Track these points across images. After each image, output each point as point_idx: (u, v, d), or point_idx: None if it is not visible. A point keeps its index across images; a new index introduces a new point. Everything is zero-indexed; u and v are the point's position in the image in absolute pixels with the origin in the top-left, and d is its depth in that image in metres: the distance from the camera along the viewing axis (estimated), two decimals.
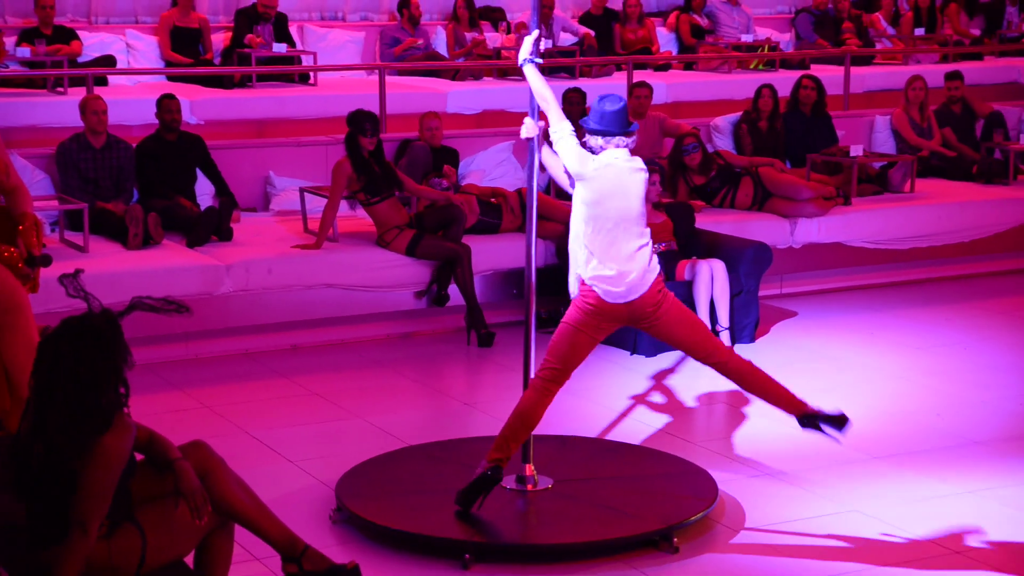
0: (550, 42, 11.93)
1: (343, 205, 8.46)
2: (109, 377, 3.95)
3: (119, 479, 3.94)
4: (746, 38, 13.04)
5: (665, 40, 13.36)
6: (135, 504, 4.10)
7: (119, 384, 3.98)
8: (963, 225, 9.68)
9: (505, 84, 11.55)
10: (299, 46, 11.77)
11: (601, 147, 5.37)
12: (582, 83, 10.87)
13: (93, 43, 11.16)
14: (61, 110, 9.67)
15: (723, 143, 10.23)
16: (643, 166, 5.40)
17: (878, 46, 13.97)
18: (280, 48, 11.21)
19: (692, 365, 7.69)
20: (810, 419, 5.48)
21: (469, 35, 12.29)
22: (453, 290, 8.11)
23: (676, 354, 7.87)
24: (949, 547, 5.19)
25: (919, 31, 13.85)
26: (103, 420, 3.92)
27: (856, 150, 9.70)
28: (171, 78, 10.97)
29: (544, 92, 5.38)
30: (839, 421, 5.45)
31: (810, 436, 6.41)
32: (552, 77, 11.79)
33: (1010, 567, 5.06)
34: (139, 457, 4.19)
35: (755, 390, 5.56)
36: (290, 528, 4.44)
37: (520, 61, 5.45)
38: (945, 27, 14.55)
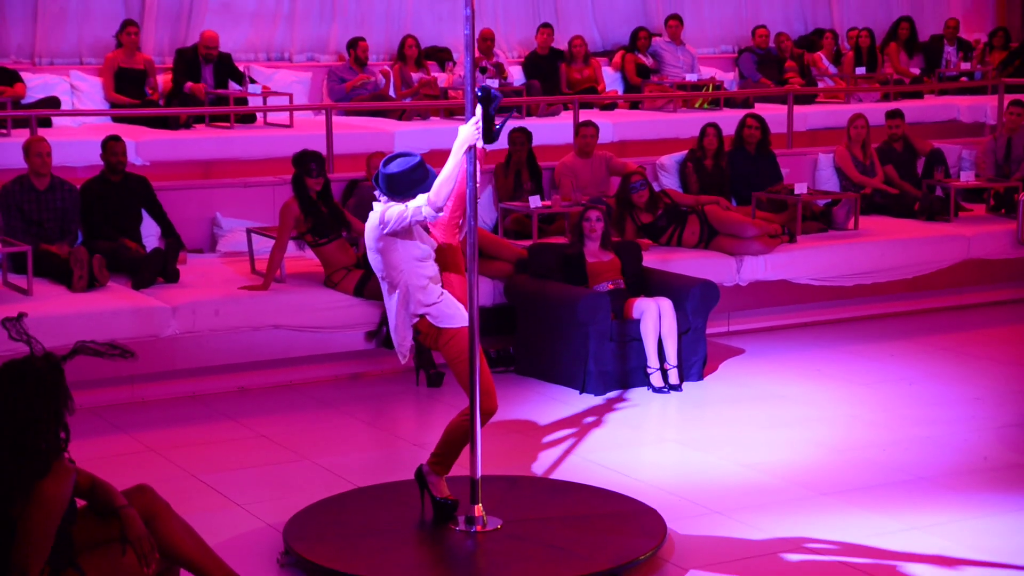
0: (496, 81, 11.98)
1: (291, 246, 8.44)
2: (49, 421, 3.91)
3: (59, 525, 3.89)
4: (691, 77, 13.16)
5: (611, 79, 13.47)
6: (78, 550, 4.06)
7: (59, 428, 3.95)
8: (906, 262, 9.79)
9: (452, 124, 11.57)
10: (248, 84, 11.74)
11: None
12: (528, 122, 10.93)
13: (37, 84, 11.10)
14: (4, 152, 9.57)
15: (669, 182, 10.30)
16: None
17: (820, 85, 14.14)
18: (235, 87, 11.25)
19: (640, 404, 7.72)
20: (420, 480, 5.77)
21: (415, 75, 12.34)
22: None
23: (624, 393, 7.89)
24: None
25: (860, 70, 14.03)
26: (42, 465, 3.88)
27: (800, 188, 9.79)
28: (116, 119, 10.92)
29: (451, 171, 5.39)
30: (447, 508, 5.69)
31: (757, 475, 6.45)
32: (499, 116, 11.82)
33: None
34: (81, 503, 4.14)
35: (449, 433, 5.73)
36: (237, 572, 4.40)
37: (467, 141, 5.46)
38: (885, 66, 14.76)
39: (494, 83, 11.88)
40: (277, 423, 7.34)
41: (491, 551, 5.42)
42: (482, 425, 5.57)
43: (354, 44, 12.24)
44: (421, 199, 5.38)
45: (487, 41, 12.62)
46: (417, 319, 5.57)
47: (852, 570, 5.34)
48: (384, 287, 5.60)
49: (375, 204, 5.53)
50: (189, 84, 11.25)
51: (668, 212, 9.31)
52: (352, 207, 8.87)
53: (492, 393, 5.60)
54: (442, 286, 5.62)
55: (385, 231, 5.43)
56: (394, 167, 5.47)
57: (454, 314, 5.57)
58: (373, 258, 5.54)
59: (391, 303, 5.58)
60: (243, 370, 7.98)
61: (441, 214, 5.42)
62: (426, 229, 5.64)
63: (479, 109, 5.43)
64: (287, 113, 11.20)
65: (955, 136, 12.78)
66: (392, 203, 5.45)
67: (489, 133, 5.48)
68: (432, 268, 5.56)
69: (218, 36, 11.58)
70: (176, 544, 4.25)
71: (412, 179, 5.46)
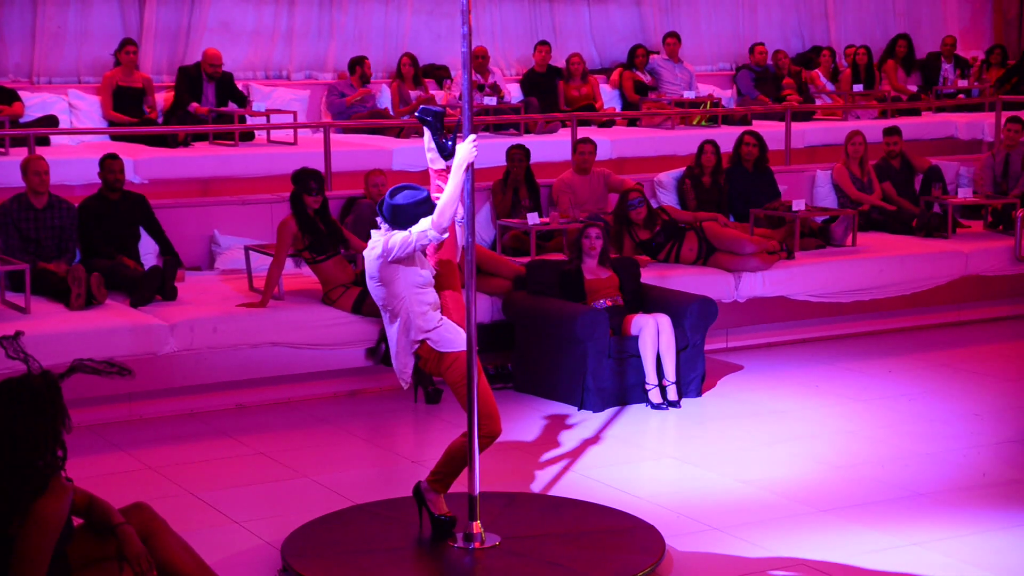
0: (495, 99, 12.01)
1: (288, 263, 8.44)
2: (46, 439, 3.91)
3: (56, 543, 3.88)
4: (688, 94, 13.19)
5: (609, 97, 13.50)
6: (75, 569, 4.05)
7: (56, 447, 3.94)
8: (904, 278, 9.80)
9: None
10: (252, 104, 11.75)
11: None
12: (527, 140, 10.94)
13: (35, 103, 11.11)
14: (2, 170, 9.58)
15: (667, 198, 10.32)
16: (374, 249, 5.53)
17: (818, 102, 14.17)
18: (234, 107, 11.28)
19: (638, 421, 7.71)
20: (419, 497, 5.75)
21: (414, 93, 12.36)
22: None
23: (623, 410, 7.89)
24: None
25: (858, 87, 14.06)
26: (39, 483, 3.87)
27: (798, 205, 9.80)
28: (114, 137, 10.93)
29: (453, 192, 5.40)
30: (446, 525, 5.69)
31: (756, 491, 6.44)
32: (498, 133, 11.88)
33: None
34: (77, 522, 4.13)
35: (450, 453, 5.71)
36: None
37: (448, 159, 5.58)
38: (883, 83, 14.79)
39: (492, 99, 11.90)
40: (275, 440, 7.34)
41: (489, 568, 5.41)
42: (485, 448, 5.57)
43: (359, 62, 12.28)
44: (424, 223, 5.40)
45: (480, 59, 12.64)
46: (418, 345, 5.57)
47: None
48: (385, 317, 5.61)
49: (374, 232, 5.55)
50: (194, 105, 11.27)
51: (666, 229, 9.32)
52: (350, 224, 8.88)
53: (495, 416, 5.60)
54: (440, 304, 5.63)
55: (389, 258, 5.44)
56: (401, 199, 5.50)
57: (454, 338, 5.58)
58: (375, 288, 5.55)
59: (392, 331, 5.59)
60: (241, 387, 7.98)
61: (446, 235, 5.45)
62: (424, 254, 5.66)
63: (427, 132, 5.58)
64: (290, 131, 11.22)
65: (953, 153, 12.80)
66: (394, 231, 5.47)
67: (444, 149, 5.59)
68: (432, 295, 5.58)
69: (221, 54, 11.60)
70: (174, 562, 4.24)
71: (417, 212, 5.49)
